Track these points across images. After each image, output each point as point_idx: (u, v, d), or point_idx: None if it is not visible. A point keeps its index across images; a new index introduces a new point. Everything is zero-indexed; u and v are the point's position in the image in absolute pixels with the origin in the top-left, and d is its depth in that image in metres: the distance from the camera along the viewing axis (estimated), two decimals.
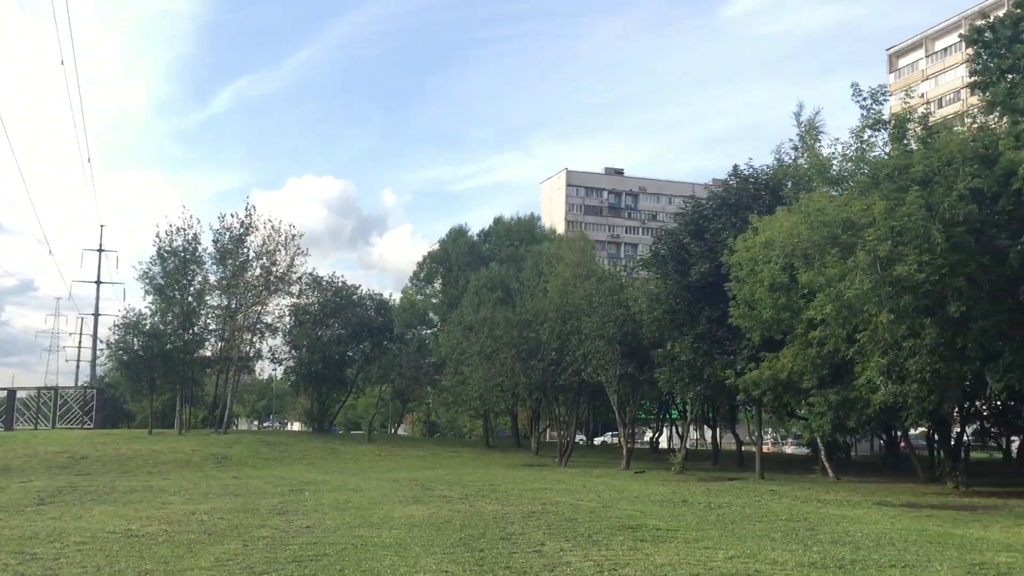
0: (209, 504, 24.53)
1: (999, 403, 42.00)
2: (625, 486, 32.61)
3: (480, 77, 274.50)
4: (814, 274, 24.75)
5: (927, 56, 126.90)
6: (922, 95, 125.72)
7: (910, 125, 26.35)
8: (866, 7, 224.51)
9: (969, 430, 47.64)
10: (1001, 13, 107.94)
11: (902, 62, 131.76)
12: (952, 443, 37.59)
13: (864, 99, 27.49)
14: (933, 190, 21.71)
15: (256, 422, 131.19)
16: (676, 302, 39.80)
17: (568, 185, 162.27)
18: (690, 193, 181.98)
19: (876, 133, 25.30)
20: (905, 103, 27.12)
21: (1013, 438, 56.05)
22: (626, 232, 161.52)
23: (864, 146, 25.64)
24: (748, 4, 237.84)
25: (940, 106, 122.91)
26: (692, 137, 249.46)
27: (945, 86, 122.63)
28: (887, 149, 24.93)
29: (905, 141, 24.74)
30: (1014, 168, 21.43)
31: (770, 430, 79.23)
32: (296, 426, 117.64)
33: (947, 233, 21.60)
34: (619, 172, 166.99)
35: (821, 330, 25.28)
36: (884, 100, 27.09)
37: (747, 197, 39.68)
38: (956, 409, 37.38)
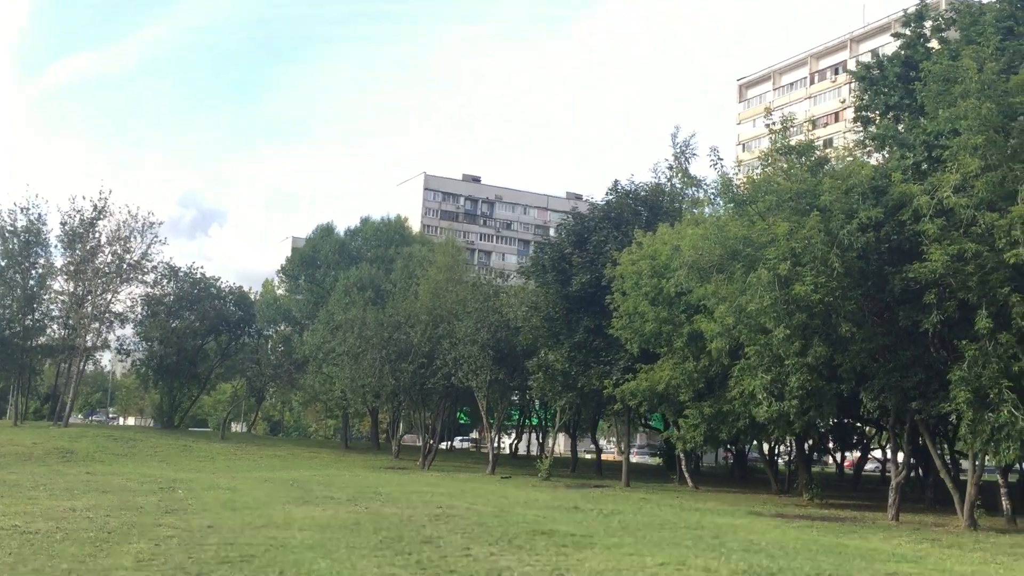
0: (82, 501, 23.14)
1: (834, 420, 44.28)
2: (504, 491, 32.74)
3: (331, 75, 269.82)
4: (715, 287, 25.60)
5: (775, 89, 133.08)
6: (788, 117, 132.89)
7: (793, 153, 27.59)
8: (718, 37, 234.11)
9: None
10: (846, 53, 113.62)
11: (751, 93, 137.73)
12: (806, 457, 39.53)
13: (773, 123, 28.77)
14: (833, 216, 22.90)
15: (81, 415, 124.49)
16: (555, 311, 40.28)
17: (426, 189, 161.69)
18: (544, 204, 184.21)
19: (782, 157, 26.48)
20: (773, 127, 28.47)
21: (847, 453, 59.56)
22: (480, 239, 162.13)
23: (770, 169, 26.76)
24: (601, 25, 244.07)
25: (785, 137, 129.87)
26: (547, 149, 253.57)
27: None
28: (787, 173, 26.07)
29: (799, 166, 25.94)
30: (905, 200, 22.88)
31: (614, 439, 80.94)
32: (131, 420, 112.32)
33: (842, 258, 22.81)
34: (476, 179, 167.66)
35: (718, 342, 26.14)
36: (792, 127, 28.38)
37: (628, 212, 40.64)
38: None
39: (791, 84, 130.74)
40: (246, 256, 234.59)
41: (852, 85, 32.37)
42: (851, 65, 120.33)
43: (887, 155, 26.81)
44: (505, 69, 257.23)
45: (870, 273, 24.75)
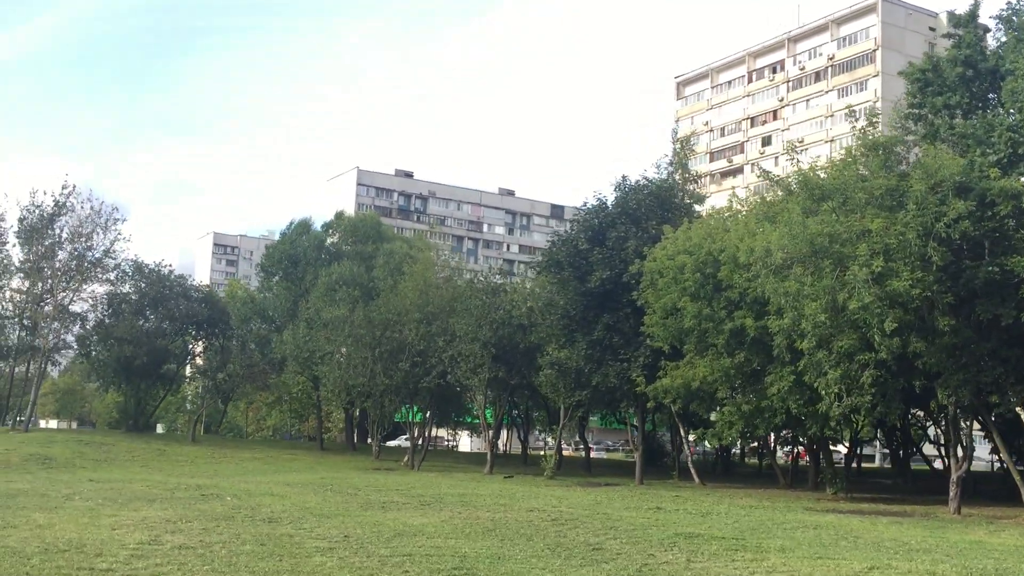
0: (144, 512, 21.28)
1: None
2: (540, 491, 31.96)
3: (238, 68, 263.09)
4: (797, 284, 25.23)
5: (712, 87, 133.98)
6: (706, 123, 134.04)
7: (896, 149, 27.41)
8: (654, 34, 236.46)
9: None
10: (783, 52, 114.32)
11: (688, 90, 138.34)
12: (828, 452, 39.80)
13: (856, 119, 28.70)
14: (927, 210, 22.88)
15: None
16: (573, 308, 39.63)
17: (359, 184, 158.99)
18: (478, 200, 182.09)
19: (869, 154, 26.33)
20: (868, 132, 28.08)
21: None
22: (414, 235, 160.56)
23: (857, 165, 26.62)
24: (535, 20, 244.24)
25: (723, 134, 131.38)
26: (479, 144, 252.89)
27: (728, 116, 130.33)
28: (871, 169, 25.99)
29: (889, 164, 25.87)
30: (997, 195, 23.03)
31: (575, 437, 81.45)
32: (52, 424, 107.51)
33: (938, 251, 22.84)
34: (409, 175, 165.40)
35: (808, 340, 25.75)
36: (876, 122, 28.25)
37: (644, 208, 40.26)
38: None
39: (729, 82, 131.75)
40: (148, 251, 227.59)
41: (906, 86, 32.13)
42: (788, 64, 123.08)
43: (963, 152, 26.70)
44: (432, 62, 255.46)
45: (946, 268, 24.80)
